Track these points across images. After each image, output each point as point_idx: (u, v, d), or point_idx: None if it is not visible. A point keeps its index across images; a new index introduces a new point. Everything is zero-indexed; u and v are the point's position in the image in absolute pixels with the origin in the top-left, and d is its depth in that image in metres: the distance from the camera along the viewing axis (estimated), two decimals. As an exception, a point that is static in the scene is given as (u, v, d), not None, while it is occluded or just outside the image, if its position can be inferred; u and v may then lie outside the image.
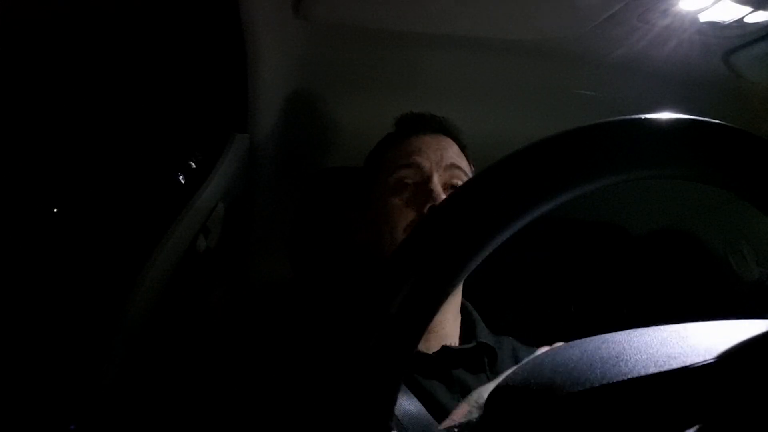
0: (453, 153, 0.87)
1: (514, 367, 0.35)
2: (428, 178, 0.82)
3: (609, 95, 1.06)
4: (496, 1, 0.85)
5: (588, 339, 0.34)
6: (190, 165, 1.17)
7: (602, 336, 0.34)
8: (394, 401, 0.27)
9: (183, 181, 1.17)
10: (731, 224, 1.22)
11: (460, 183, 0.84)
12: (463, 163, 0.88)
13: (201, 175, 0.97)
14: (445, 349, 0.79)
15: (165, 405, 0.81)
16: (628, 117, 0.29)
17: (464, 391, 0.75)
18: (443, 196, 0.79)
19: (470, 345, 0.81)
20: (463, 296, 0.90)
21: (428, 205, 0.78)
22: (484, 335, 0.83)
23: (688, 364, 0.28)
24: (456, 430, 0.33)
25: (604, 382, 0.28)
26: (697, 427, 0.25)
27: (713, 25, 0.87)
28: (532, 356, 0.35)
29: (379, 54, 1.00)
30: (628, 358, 0.30)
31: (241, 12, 0.84)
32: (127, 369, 0.87)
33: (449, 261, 0.27)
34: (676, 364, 0.28)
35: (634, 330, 0.35)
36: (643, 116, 0.29)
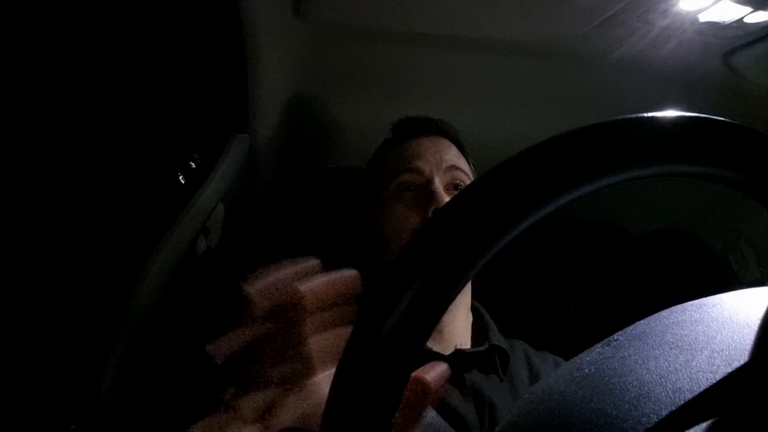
0: (452, 154, 0.87)
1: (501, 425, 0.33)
2: (430, 181, 0.82)
3: (609, 95, 1.06)
4: (496, 2, 0.85)
5: (548, 384, 0.31)
6: (190, 165, 1.17)
7: (557, 383, 0.30)
8: (398, 402, 0.27)
9: (183, 181, 1.17)
10: (731, 224, 1.22)
11: (461, 184, 0.84)
12: (463, 164, 0.88)
13: (201, 175, 0.97)
14: (459, 353, 0.80)
15: (165, 405, 0.81)
16: (633, 115, 0.28)
17: (477, 395, 0.75)
18: (446, 198, 0.79)
19: (483, 348, 0.81)
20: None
21: (432, 208, 0.78)
22: (497, 338, 0.83)
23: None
24: None
25: None
26: (713, 419, 0.24)
27: (713, 25, 0.87)
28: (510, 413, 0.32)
29: (380, 54, 1.00)
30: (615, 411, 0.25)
31: (241, 12, 0.84)
32: (128, 369, 0.87)
33: (454, 262, 0.26)
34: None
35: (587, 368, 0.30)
36: (649, 114, 0.28)
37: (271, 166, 1.11)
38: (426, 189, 0.81)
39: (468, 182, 0.85)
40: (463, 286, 0.28)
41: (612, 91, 1.06)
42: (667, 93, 1.05)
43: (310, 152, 1.17)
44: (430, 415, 0.53)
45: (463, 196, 0.28)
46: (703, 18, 0.86)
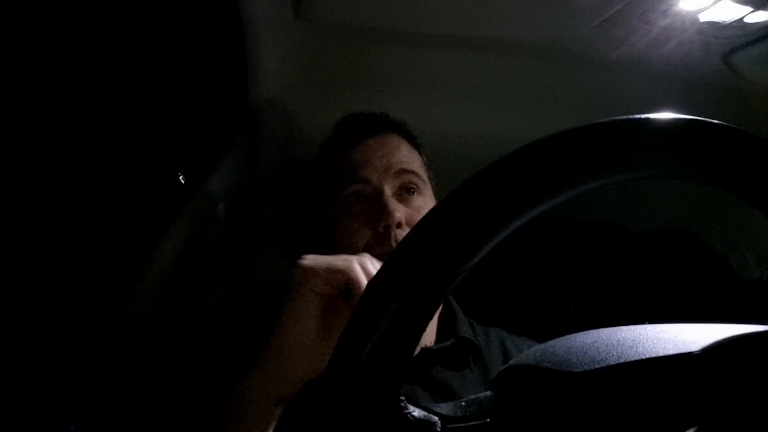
0: (401, 155, 0.83)
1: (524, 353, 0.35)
2: (378, 192, 0.79)
3: (609, 95, 1.06)
4: (496, 1, 0.85)
5: (599, 329, 0.34)
6: (191, 164, 1.17)
7: (614, 327, 0.34)
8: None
9: (183, 181, 1.17)
10: (731, 224, 1.22)
11: (414, 186, 0.82)
12: (414, 162, 0.84)
13: (201, 175, 0.97)
14: (425, 351, 0.77)
15: (165, 405, 0.81)
16: (628, 117, 0.29)
17: (449, 395, 0.73)
18: (397, 208, 0.76)
19: (449, 342, 0.78)
20: (462, 296, 0.89)
21: (383, 223, 0.75)
22: (464, 329, 0.81)
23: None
24: (463, 404, 0.33)
25: (621, 361, 0.28)
26: (695, 429, 0.25)
27: (713, 25, 0.88)
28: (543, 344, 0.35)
29: (379, 54, 1.00)
30: (646, 342, 0.30)
31: (241, 12, 0.84)
32: (127, 369, 0.87)
33: (441, 270, 0.27)
34: (697, 348, 0.28)
35: (647, 325, 0.34)
36: (643, 116, 0.29)
37: (271, 165, 1.11)
38: (376, 201, 0.78)
39: (419, 182, 0.83)
40: (452, 286, 0.28)
41: (612, 91, 1.06)
42: (667, 93, 1.04)
43: (310, 152, 1.17)
44: None
45: (449, 199, 0.28)
46: (703, 18, 0.86)
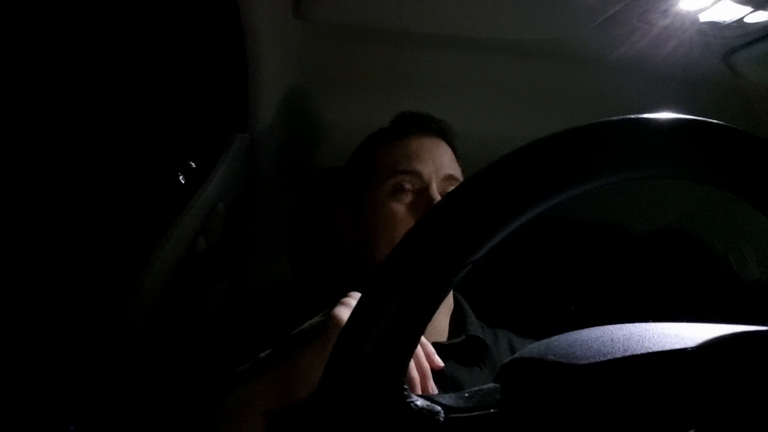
0: (449, 160, 0.86)
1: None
2: (428, 186, 0.82)
3: (609, 95, 1.06)
4: (496, 1, 0.85)
5: (602, 326, 0.34)
6: (190, 165, 1.17)
7: (618, 324, 0.34)
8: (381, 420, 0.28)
9: (183, 181, 1.17)
10: (731, 224, 1.22)
11: None
12: (457, 171, 0.87)
13: (201, 175, 0.97)
14: (437, 347, 0.77)
15: (165, 405, 0.82)
16: (628, 116, 0.29)
17: (457, 389, 0.74)
18: None
19: (459, 339, 0.80)
20: (462, 294, 0.89)
21: None
22: (474, 328, 0.83)
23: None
24: (466, 395, 0.33)
25: (627, 354, 0.28)
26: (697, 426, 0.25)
27: (713, 25, 0.88)
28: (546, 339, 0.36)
29: (379, 54, 1.00)
30: (652, 337, 0.30)
31: (241, 12, 0.84)
32: (127, 369, 0.87)
33: (445, 263, 0.27)
34: (704, 344, 0.28)
35: (651, 323, 0.35)
36: (643, 116, 0.29)
37: (271, 166, 1.11)
38: (424, 194, 0.81)
39: None
40: (450, 288, 0.28)
41: (612, 91, 1.06)
42: (667, 93, 1.04)
43: (310, 152, 1.17)
44: None
45: (448, 198, 0.29)
46: (703, 18, 0.86)
